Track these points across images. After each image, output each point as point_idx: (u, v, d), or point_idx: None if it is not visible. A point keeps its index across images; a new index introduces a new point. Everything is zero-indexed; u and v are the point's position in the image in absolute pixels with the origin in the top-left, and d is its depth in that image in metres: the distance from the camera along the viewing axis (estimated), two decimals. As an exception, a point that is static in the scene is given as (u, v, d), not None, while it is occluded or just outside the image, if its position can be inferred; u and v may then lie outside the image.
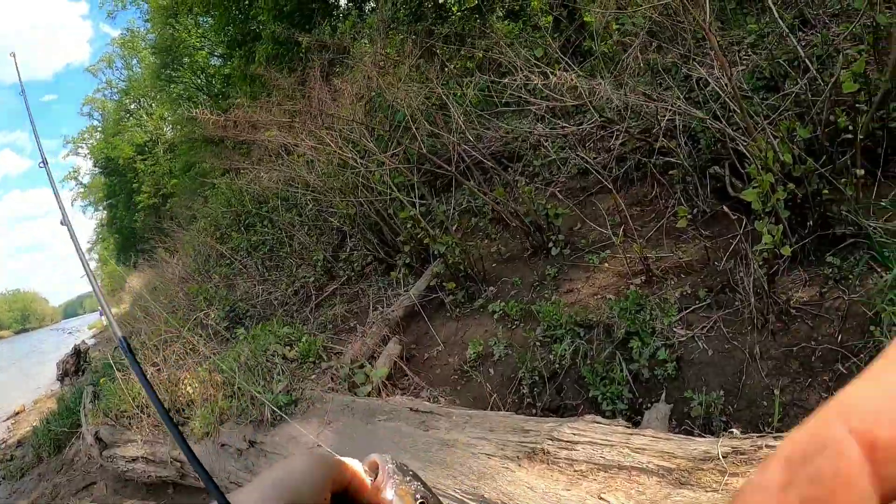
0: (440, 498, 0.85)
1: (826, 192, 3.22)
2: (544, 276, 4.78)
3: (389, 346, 4.76)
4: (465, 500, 2.40)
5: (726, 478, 1.92)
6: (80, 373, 13.91)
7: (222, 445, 4.11)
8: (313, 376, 4.44)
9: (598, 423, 2.38)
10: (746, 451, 1.98)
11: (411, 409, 3.19)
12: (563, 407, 3.43)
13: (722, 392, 2.98)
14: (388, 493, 0.73)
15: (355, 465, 0.73)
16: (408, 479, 0.76)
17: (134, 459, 5.01)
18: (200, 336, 5.84)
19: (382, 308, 5.50)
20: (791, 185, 3.03)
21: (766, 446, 1.96)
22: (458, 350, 4.43)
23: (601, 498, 1.99)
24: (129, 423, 5.27)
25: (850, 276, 3.05)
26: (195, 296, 7.83)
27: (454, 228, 5.27)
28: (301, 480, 0.66)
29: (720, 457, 1.99)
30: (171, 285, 10.11)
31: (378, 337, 4.94)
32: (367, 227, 6.46)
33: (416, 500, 0.74)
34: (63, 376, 14.90)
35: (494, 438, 2.56)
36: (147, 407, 5.09)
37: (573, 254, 4.84)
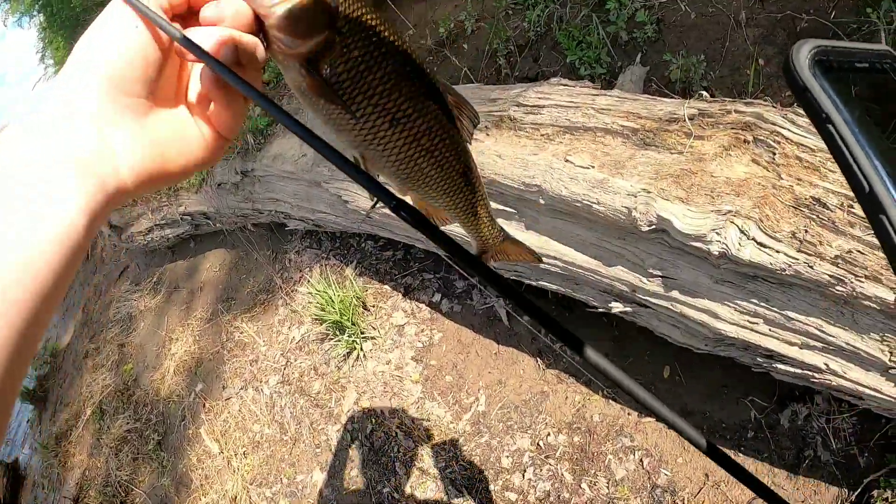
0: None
1: None
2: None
3: (359, 35, 4.37)
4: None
5: (692, 140, 1.83)
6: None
7: (218, 185, 4.04)
8: (290, 92, 4.14)
9: (564, 84, 2.21)
10: (714, 114, 1.85)
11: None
12: (540, 74, 3.23)
13: (703, 57, 2.76)
14: None
15: None
16: None
17: (149, 231, 5.02)
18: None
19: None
20: None
21: (736, 111, 1.82)
22: (430, 31, 4.06)
23: (567, 160, 1.93)
24: (133, 201, 5.16)
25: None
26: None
27: None
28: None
29: (686, 118, 1.87)
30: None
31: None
32: None
33: None
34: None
35: (463, 111, 2.42)
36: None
37: None
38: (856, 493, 2.01)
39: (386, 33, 0.69)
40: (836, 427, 2.11)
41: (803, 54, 0.42)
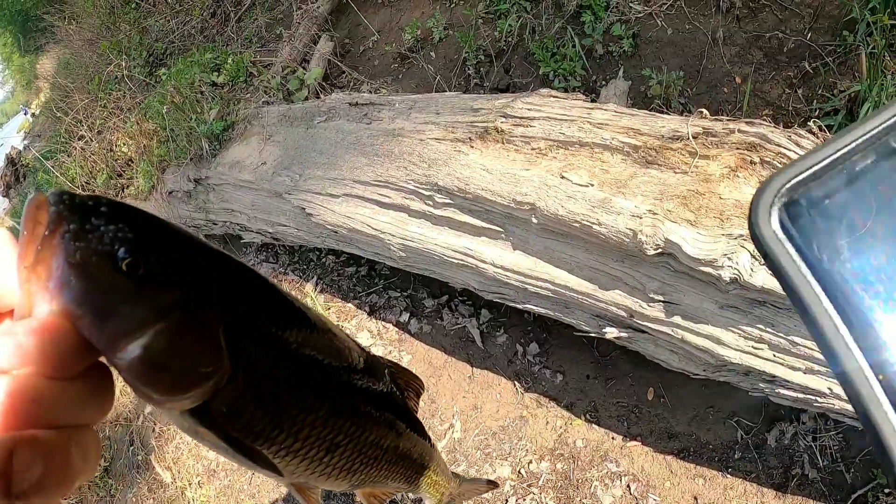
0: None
1: None
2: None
3: (320, 44, 4.11)
4: (418, 190, 2.16)
5: (696, 160, 1.70)
6: (23, 179, 12.36)
7: (170, 193, 3.72)
8: (247, 96, 3.87)
9: (554, 96, 2.04)
10: (718, 133, 1.73)
11: (350, 103, 2.77)
12: (512, 86, 3.09)
13: (682, 73, 2.67)
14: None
15: None
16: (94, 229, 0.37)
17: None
18: (122, 92, 5.10)
19: (307, 5, 4.68)
20: None
21: (739, 131, 1.71)
22: (395, 37, 3.85)
23: (563, 177, 1.77)
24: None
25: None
26: (107, 53, 6.52)
27: None
28: None
29: (690, 137, 1.75)
30: (82, 53, 8.52)
31: (307, 38, 4.24)
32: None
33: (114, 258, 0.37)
34: (7, 190, 13.21)
35: (442, 122, 2.24)
36: (94, 179, 4.54)
37: None
38: (844, 509, 1.97)
39: (301, 328, 0.48)
40: (822, 445, 2.07)
41: (763, 206, 0.34)
